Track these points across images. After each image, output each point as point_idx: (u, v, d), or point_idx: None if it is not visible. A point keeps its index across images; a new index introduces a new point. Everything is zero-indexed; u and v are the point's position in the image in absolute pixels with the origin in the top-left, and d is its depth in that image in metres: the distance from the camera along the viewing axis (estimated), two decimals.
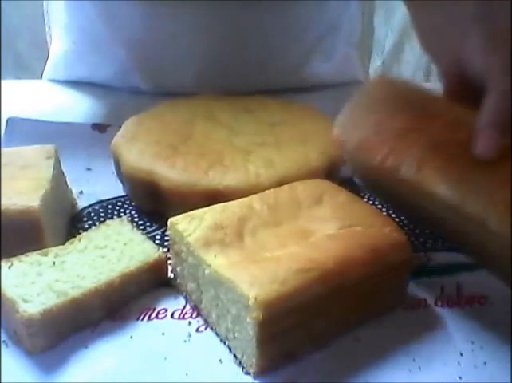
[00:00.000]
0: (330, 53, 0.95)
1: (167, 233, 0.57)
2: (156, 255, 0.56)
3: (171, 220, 0.55)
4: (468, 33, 0.55)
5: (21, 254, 0.53)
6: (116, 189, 0.69)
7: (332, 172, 0.66)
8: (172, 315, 0.54)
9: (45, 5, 0.98)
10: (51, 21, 0.97)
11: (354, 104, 0.59)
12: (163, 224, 0.61)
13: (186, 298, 0.56)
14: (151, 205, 0.65)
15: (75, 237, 0.57)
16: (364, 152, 0.55)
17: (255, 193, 0.57)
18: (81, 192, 0.69)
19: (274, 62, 0.90)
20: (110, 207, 0.67)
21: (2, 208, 0.54)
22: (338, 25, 0.94)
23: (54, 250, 0.55)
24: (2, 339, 0.51)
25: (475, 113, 0.52)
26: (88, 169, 0.72)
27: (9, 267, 0.52)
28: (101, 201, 0.68)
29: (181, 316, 0.54)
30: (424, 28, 0.62)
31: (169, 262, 0.57)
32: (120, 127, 0.71)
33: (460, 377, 0.49)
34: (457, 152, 0.52)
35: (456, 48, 0.56)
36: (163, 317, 0.54)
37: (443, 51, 0.60)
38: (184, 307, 0.55)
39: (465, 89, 0.56)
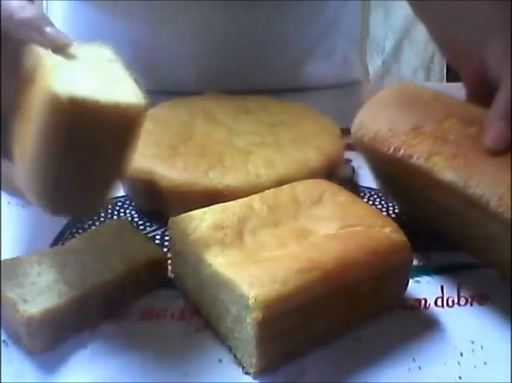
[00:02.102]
0: (330, 52, 0.95)
1: (167, 233, 0.57)
2: (156, 255, 0.56)
3: (171, 220, 0.55)
4: (489, 40, 0.56)
5: None
6: (115, 189, 0.69)
7: (332, 172, 0.66)
8: (172, 315, 0.54)
9: (44, 5, 0.98)
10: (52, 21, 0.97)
11: (371, 103, 0.62)
12: (163, 224, 0.61)
13: (186, 298, 0.56)
14: (151, 205, 0.65)
15: (75, 237, 0.57)
16: (378, 144, 0.58)
17: (255, 193, 0.57)
18: None
19: (274, 61, 0.90)
20: (110, 207, 0.67)
21: None
22: (338, 24, 0.94)
23: (54, 250, 0.55)
24: (2, 339, 0.51)
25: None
26: None
27: (10, 267, 0.52)
28: None
29: (181, 316, 0.54)
30: (444, 42, 0.65)
31: (169, 262, 0.57)
32: None
33: (460, 377, 0.49)
34: (467, 144, 0.54)
35: (477, 55, 0.58)
36: (163, 317, 0.54)
37: (465, 60, 0.62)
38: (184, 307, 0.55)
39: (487, 96, 0.57)
